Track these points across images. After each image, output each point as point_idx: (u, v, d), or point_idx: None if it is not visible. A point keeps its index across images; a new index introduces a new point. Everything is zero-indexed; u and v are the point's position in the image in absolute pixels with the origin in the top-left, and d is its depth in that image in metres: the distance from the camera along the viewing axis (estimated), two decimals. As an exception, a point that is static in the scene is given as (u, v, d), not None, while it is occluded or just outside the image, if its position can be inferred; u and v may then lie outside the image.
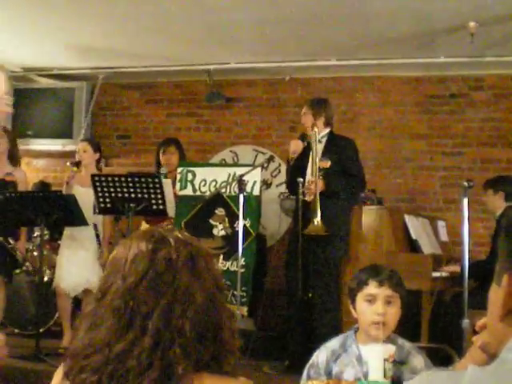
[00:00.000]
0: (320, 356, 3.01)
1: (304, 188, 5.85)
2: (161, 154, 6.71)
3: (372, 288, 2.90)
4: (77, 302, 6.58)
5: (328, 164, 5.91)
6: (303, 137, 6.09)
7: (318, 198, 5.71)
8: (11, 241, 6.38)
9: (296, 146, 6.05)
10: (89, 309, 1.60)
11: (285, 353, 5.97)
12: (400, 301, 2.93)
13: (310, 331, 6.00)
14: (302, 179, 5.87)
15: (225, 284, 1.70)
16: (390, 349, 2.67)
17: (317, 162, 5.84)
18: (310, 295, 5.86)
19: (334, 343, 3.03)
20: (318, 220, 5.67)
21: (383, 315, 2.85)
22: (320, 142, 6.01)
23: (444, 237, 6.94)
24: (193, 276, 1.57)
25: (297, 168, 6.03)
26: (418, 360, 2.90)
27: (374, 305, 2.89)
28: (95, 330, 1.54)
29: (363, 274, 2.98)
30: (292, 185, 6.04)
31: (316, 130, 5.93)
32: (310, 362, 3.04)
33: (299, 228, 5.79)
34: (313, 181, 5.79)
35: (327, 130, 6.12)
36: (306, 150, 6.02)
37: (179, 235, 1.64)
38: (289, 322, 6.25)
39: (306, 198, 5.84)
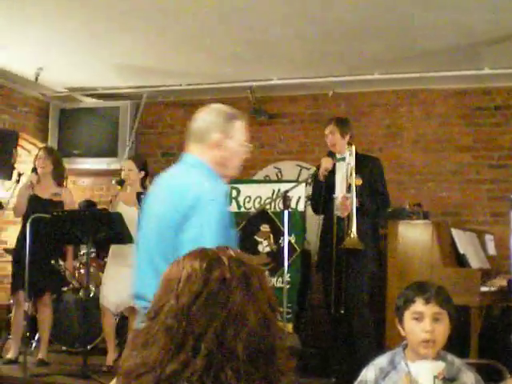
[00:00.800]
0: (368, 374, 2.97)
1: (339, 204, 5.86)
2: None
3: (419, 305, 2.87)
4: (123, 320, 6.62)
5: (360, 182, 5.93)
6: (332, 155, 6.11)
7: (354, 213, 5.71)
8: (59, 259, 6.46)
9: (328, 164, 6.06)
10: (141, 327, 1.59)
11: (330, 369, 5.94)
12: (448, 317, 2.89)
13: (351, 347, 5.98)
14: (336, 195, 5.89)
15: (277, 303, 1.67)
16: (440, 366, 2.64)
17: (352, 180, 5.84)
18: (342, 311, 5.85)
19: (382, 360, 3.00)
20: (354, 234, 5.66)
21: (431, 332, 2.82)
22: (345, 160, 6.04)
23: (492, 250, 6.85)
24: (247, 296, 1.54)
25: (326, 186, 6.06)
26: (469, 377, 2.85)
27: (421, 322, 2.85)
28: (147, 349, 1.52)
29: (410, 291, 2.95)
30: (324, 202, 6.06)
31: (352, 147, 5.94)
32: (359, 379, 3.01)
33: (333, 243, 5.80)
34: (348, 197, 5.79)
35: (353, 149, 6.14)
36: (334, 168, 6.04)
37: (232, 253, 1.62)
38: (332, 339, 6.23)
39: (340, 214, 5.85)
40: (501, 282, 5.87)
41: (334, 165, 6.06)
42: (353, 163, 5.96)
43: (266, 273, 6.13)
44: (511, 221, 4.94)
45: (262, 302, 1.57)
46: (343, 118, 6.38)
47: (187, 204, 2.92)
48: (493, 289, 5.77)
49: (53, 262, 6.34)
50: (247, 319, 1.52)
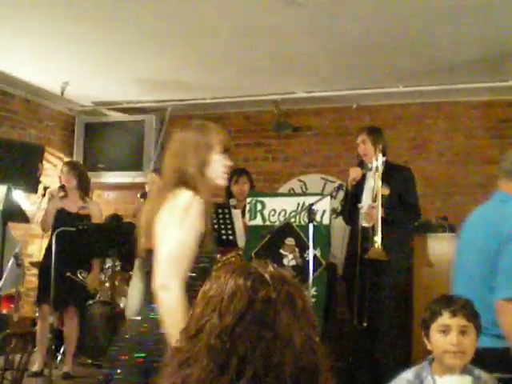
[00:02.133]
0: None
1: (365, 213, 5.83)
2: (233, 184, 6.71)
3: (446, 318, 2.89)
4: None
5: (387, 191, 5.88)
6: (362, 164, 6.08)
7: (380, 223, 5.66)
8: (83, 273, 6.48)
9: (356, 174, 6.04)
10: (179, 345, 1.55)
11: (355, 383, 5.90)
12: (476, 330, 2.90)
13: (376, 361, 5.93)
14: (362, 205, 5.86)
15: (317, 322, 1.63)
16: (467, 381, 2.62)
17: (379, 188, 5.80)
18: (365, 324, 5.80)
19: (408, 375, 2.99)
20: (378, 244, 5.61)
21: (458, 345, 2.83)
22: (377, 170, 5.99)
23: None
24: (292, 317, 1.50)
25: (354, 195, 6.03)
26: None
27: (448, 335, 2.87)
28: (188, 369, 1.48)
29: (436, 304, 2.98)
30: (349, 212, 6.04)
31: (374, 159, 5.90)
32: None
33: (358, 254, 5.76)
34: (374, 206, 5.75)
35: (384, 159, 6.09)
36: (362, 178, 6.01)
37: (274, 271, 1.58)
38: (356, 353, 6.18)
39: (366, 224, 5.82)
40: None
41: (364, 175, 6.02)
42: (379, 172, 5.91)
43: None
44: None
45: (306, 322, 1.54)
46: (376, 128, 6.34)
47: (504, 234, 3.30)
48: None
49: (68, 274, 6.35)
50: (293, 340, 1.48)
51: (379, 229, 5.65)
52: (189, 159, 3.04)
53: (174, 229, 2.88)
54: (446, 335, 2.88)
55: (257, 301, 1.49)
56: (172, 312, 2.74)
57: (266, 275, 1.54)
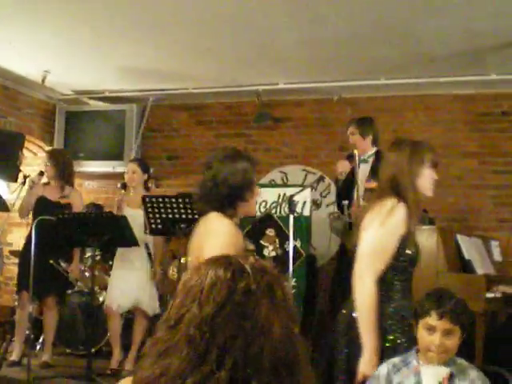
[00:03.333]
0: (381, 369, 3.10)
1: (350, 210, 5.85)
2: None
3: (432, 319, 2.99)
4: (127, 323, 6.62)
5: (373, 185, 5.89)
6: (351, 157, 6.07)
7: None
8: (63, 263, 6.46)
9: (343, 167, 6.04)
10: (159, 335, 1.54)
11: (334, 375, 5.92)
12: (461, 330, 3.01)
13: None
14: (346, 202, 5.87)
15: (296, 313, 1.64)
16: (445, 371, 2.70)
17: (359, 184, 5.82)
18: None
19: (395, 359, 3.12)
20: None
21: (440, 346, 2.95)
22: (367, 161, 6.00)
23: (497, 256, 6.82)
24: (272, 308, 1.51)
25: (344, 189, 6.02)
26: (475, 374, 2.98)
27: (432, 335, 2.98)
28: (167, 359, 1.48)
29: (427, 301, 3.06)
30: (338, 206, 6.04)
31: (356, 151, 5.91)
32: (373, 373, 3.13)
33: (345, 250, 5.79)
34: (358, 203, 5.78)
35: (374, 150, 6.10)
36: (352, 171, 6.00)
37: (254, 262, 1.58)
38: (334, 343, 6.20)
39: (351, 221, 5.83)
40: (507, 289, 5.85)
41: (353, 168, 6.00)
42: (365, 166, 5.93)
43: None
44: (517, 227, 4.93)
45: (286, 313, 1.55)
46: (365, 118, 6.32)
47: None
48: (498, 295, 5.76)
49: (51, 261, 6.34)
50: (272, 331, 1.49)
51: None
52: (404, 171, 3.42)
53: (376, 228, 3.30)
54: (430, 334, 2.98)
55: (237, 292, 1.49)
56: (363, 302, 3.19)
57: (247, 266, 1.55)
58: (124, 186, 6.48)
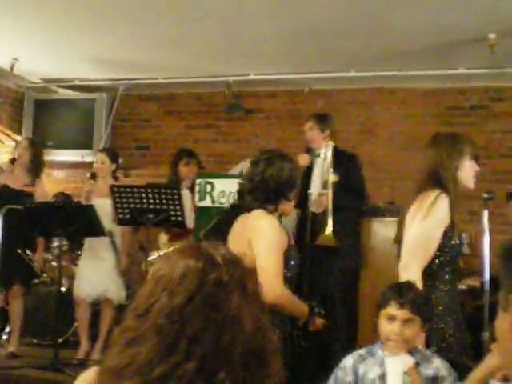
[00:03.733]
0: (347, 360, 3.16)
1: (314, 200, 5.88)
2: (181, 166, 6.70)
3: (393, 309, 3.05)
4: (95, 313, 6.59)
5: (336, 178, 5.96)
6: (310, 151, 6.12)
7: (330, 210, 5.73)
8: (28, 252, 6.41)
9: (304, 160, 6.08)
10: (127, 323, 1.53)
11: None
12: (422, 321, 3.07)
13: (323, 344, 6.02)
14: (311, 191, 5.91)
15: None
16: (410, 362, 2.74)
17: (329, 176, 5.87)
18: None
19: (361, 350, 3.19)
20: (329, 231, 5.68)
21: (399, 335, 3.01)
22: (324, 156, 6.07)
23: (464, 249, 6.88)
24: (243, 300, 1.51)
25: (303, 182, 6.07)
26: (439, 361, 3.04)
27: (392, 324, 3.04)
28: (135, 348, 1.47)
29: (388, 292, 3.14)
30: (298, 198, 6.08)
31: (330, 143, 5.98)
32: (339, 365, 3.18)
33: (308, 239, 5.82)
34: (324, 193, 5.82)
35: (331, 145, 6.18)
36: (310, 165, 6.06)
37: (225, 253, 1.58)
38: (303, 335, 6.24)
39: (315, 211, 5.88)
40: (472, 281, 5.91)
41: (312, 162, 6.07)
42: (329, 159, 5.99)
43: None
44: (484, 220, 4.96)
45: (256, 305, 1.55)
46: (323, 114, 6.39)
47: None
48: (464, 287, 5.81)
49: (19, 250, 6.29)
50: (243, 323, 1.49)
51: (330, 216, 5.71)
52: (444, 164, 3.55)
53: (420, 220, 3.40)
54: (390, 324, 3.04)
55: (208, 283, 1.49)
56: None
57: (218, 257, 1.54)
58: (93, 176, 6.44)
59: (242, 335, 1.47)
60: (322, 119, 6.25)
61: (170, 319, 1.45)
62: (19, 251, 6.28)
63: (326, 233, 5.70)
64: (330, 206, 5.76)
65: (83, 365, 5.82)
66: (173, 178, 6.74)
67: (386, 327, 3.05)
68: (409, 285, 3.20)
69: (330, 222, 5.71)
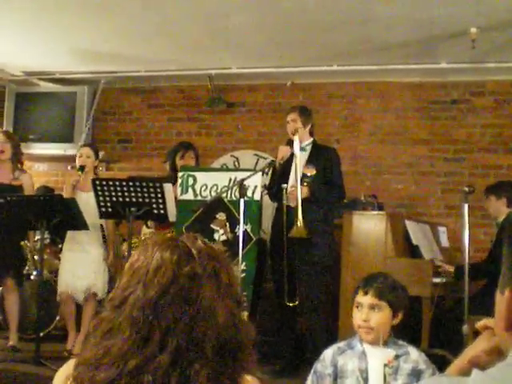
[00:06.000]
0: (327, 352, 3.24)
1: (287, 193, 5.92)
2: (178, 159, 6.68)
3: (360, 296, 3.17)
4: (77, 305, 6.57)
5: (314, 171, 5.98)
6: (291, 143, 6.15)
7: (300, 203, 5.77)
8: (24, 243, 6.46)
9: (284, 152, 6.12)
10: (104, 315, 1.55)
11: (277, 357, 6.01)
12: (390, 307, 3.14)
13: (301, 336, 6.07)
14: (286, 185, 5.95)
15: (243, 297, 1.64)
16: (390, 354, 2.77)
17: (300, 169, 5.91)
18: (297, 302, 5.92)
19: (340, 343, 3.28)
20: (300, 223, 5.73)
21: (367, 321, 3.09)
22: (305, 150, 6.13)
23: (445, 243, 6.94)
24: (216, 292, 1.52)
25: (281, 174, 6.10)
26: (416, 354, 3.11)
27: (360, 311, 3.15)
28: (110, 340, 1.49)
29: (359, 282, 3.25)
30: (276, 190, 6.13)
31: (297, 138, 6.01)
32: (319, 358, 3.26)
33: (284, 233, 5.86)
34: (296, 186, 5.86)
35: (311, 139, 6.22)
36: (291, 157, 6.09)
37: (202, 245, 1.59)
38: (281, 327, 6.30)
39: (289, 204, 5.91)
40: (449, 267, 5.97)
41: (292, 154, 6.09)
42: (303, 154, 6.05)
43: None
44: (464, 213, 5.01)
45: (230, 297, 1.56)
46: (306, 108, 6.42)
47: None
48: (445, 280, 5.86)
49: (22, 243, 6.39)
50: (216, 316, 1.50)
51: (300, 208, 5.75)
52: None
53: None
54: (359, 311, 3.15)
55: (181, 275, 1.50)
56: None
57: (193, 250, 1.55)
58: (82, 169, 6.39)
59: (216, 327, 1.48)
60: (306, 112, 6.27)
61: (144, 312, 1.47)
62: (22, 243, 6.33)
63: (298, 225, 5.75)
64: (300, 200, 5.80)
65: (65, 358, 5.80)
66: (170, 171, 6.73)
67: (356, 315, 3.15)
68: (378, 274, 3.32)
69: (300, 214, 5.75)
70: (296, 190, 5.86)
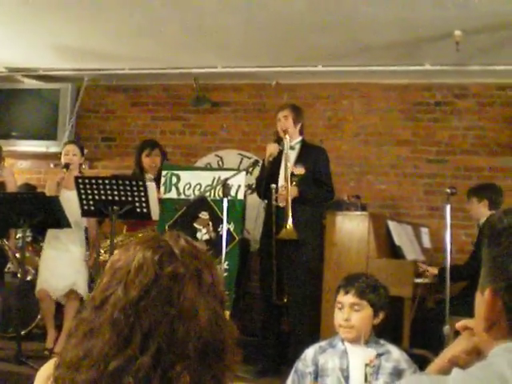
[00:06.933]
0: (309, 351, 3.27)
1: (277, 194, 5.92)
2: (144, 156, 6.69)
3: (341, 296, 3.21)
4: (58, 304, 6.55)
5: (303, 171, 5.99)
6: (280, 141, 6.15)
7: (290, 203, 5.78)
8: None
9: (273, 150, 6.11)
10: (84, 315, 1.51)
11: (259, 357, 6.01)
12: (371, 306, 3.18)
13: (284, 336, 6.08)
14: (275, 185, 5.95)
15: (226, 297, 1.63)
16: (371, 354, 2.79)
17: (288, 168, 5.92)
18: (286, 300, 5.94)
19: (322, 342, 3.31)
20: (289, 225, 5.74)
21: (348, 320, 3.13)
22: (294, 148, 6.14)
23: (427, 243, 6.97)
24: (198, 293, 1.49)
25: (270, 173, 6.10)
26: (396, 352, 3.15)
27: (341, 311, 3.19)
28: (91, 341, 1.46)
29: (340, 282, 3.29)
30: (265, 189, 6.12)
31: (287, 136, 6.02)
32: (300, 357, 3.29)
33: (273, 233, 5.86)
34: (285, 186, 5.86)
35: (300, 138, 6.22)
36: (280, 156, 6.09)
37: (185, 245, 1.56)
38: (264, 327, 6.30)
39: (279, 204, 5.92)
40: (432, 269, 6.00)
41: (281, 152, 6.09)
42: (292, 153, 6.05)
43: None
44: (446, 215, 5.04)
45: (213, 297, 1.53)
46: (298, 106, 6.43)
47: None
48: (426, 280, 5.89)
49: (1, 242, 6.35)
50: (198, 317, 1.48)
51: (289, 209, 5.76)
52: None
53: None
54: (340, 311, 3.19)
55: (163, 276, 1.48)
56: None
57: (176, 249, 1.53)
58: (67, 166, 6.37)
59: (198, 328, 1.46)
60: (297, 109, 6.28)
61: (125, 313, 1.44)
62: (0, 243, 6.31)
63: (288, 227, 5.76)
64: (290, 200, 5.81)
65: (46, 357, 5.79)
66: (136, 169, 6.73)
67: (337, 315, 3.19)
68: (359, 274, 3.39)
69: (290, 216, 5.76)
70: (286, 190, 5.86)
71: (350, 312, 3.13)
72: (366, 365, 2.88)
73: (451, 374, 1.25)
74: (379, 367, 3.00)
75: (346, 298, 3.16)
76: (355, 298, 3.14)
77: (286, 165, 5.97)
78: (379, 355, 3.00)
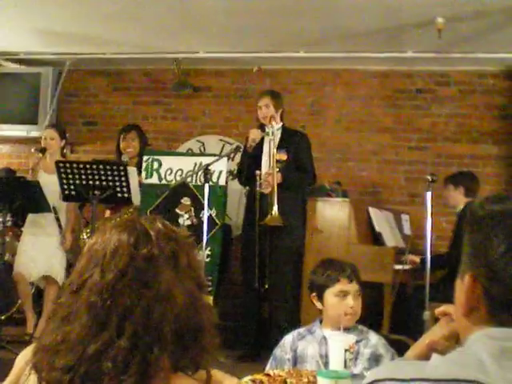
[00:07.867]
0: (287, 337, 3.24)
1: (262, 180, 5.92)
2: (121, 141, 6.66)
3: (344, 284, 3.14)
4: (39, 289, 6.54)
5: (285, 157, 6.00)
6: (263, 127, 6.15)
7: (276, 189, 5.79)
8: None
9: (255, 135, 6.12)
10: (62, 300, 1.52)
11: (239, 342, 6.04)
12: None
13: (263, 322, 6.11)
14: (259, 171, 5.95)
15: (206, 280, 1.62)
16: (351, 340, 2.80)
17: (274, 155, 5.92)
18: (267, 286, 5.96)
19: (300, 329, 3.28)
20: (275, 211, 5.75)
21: (354, 308, 3.11)
22: (273, 135, 6.12)
23: (407, 230, 7.01)
24: (174, 275, 1.50)
25: (253, 159, 6.10)
26: (375, 337, 3.15)
27: (345, 299, 3.13)
28: (69, 326, 1.46)
29: (330, 271, 3.19)
30: (247, 176, 6.12)
31: (274, 123, 6.04)
32: (279, 343, 3.26)
33: (256, 219, 5.87)
34: (270, 173, 5.86)
35: (281, 124, 6.23)
36: (261, 142, 6.09)
37: (161, 227, 1.56)
38: (244, 313, 6.32)
39: (263, 190, 5.92)
40: (413, 258, 6.03)
41: (263, 138, 6.10)
42: (276, 138, 6.05)
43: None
44: (427, 202, 5.07)
45: (190, 280, 1.54)
46: (277, 92, 6.43)
47: None
48: (406, 267, 5.93)
49: None
50: (175, 299, 1.48)
51: (275, 196, 5.77)
52: None
53: None
54: (343, 299, 3.12)
55: (138, 258, 1.48)
56: None
57: (151, 231, 1.53)
58: (42, 150, 6.34)
59: (174, 310, 1.46)
60: (278, 97, 6.29)
61: (102, 296, 1.44)
62: None
63: (273, 213, 5.76)
64: (276, 187, 5.82)
65: (27, 342, 5.78)
66: (116, 153, 6.70)
67: (340, 304, 3.12)
68: (339, 261, 3.34)
69: (276, 202, 5.77)
70: (271, 176, 5.86)
71: (354, 299, 3.13)
72: (346, 350, 2.88)
73: (430, 359, 1.26)
74: (358, 353, 3.01)
75: (351, 286, 3.14)
76: (358, 285, 3.16)
77: (272, 151, 5.96)
78: (358, 341, 3.01)
